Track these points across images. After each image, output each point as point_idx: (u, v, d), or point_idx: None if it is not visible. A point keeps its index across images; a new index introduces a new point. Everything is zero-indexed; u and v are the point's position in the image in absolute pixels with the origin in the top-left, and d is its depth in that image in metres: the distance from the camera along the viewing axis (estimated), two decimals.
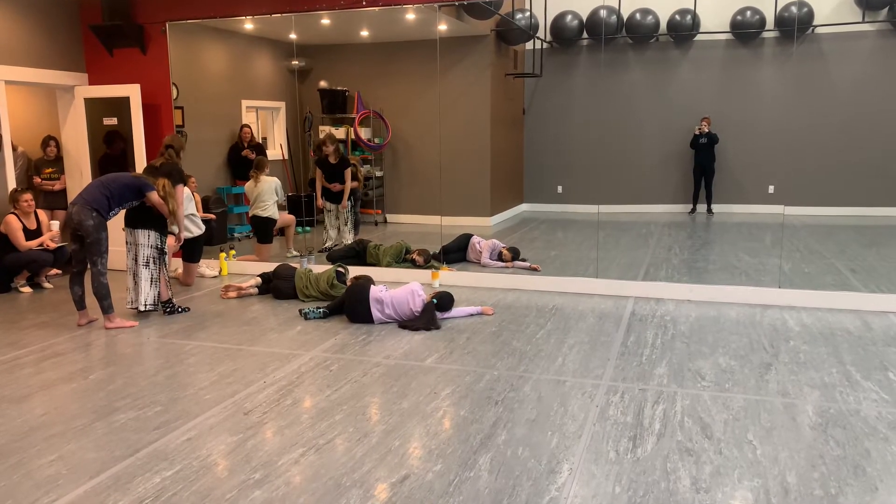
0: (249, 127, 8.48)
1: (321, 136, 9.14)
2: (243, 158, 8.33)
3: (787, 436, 3.39)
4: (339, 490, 2.93)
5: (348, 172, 8.04)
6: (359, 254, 7.30)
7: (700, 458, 3.16)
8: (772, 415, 3.63)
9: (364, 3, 6.89)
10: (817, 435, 3.40)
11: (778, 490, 2.89)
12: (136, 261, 5.64)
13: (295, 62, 8.59)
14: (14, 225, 6.61)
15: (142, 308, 5.65)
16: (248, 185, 7.62)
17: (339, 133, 9.21)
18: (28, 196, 6.75)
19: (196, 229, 6.72)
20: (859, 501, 2.80)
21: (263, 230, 7.64)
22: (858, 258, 7.29)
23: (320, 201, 8.14)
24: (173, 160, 5.93)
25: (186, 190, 6.62)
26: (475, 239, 7.48)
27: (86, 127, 7.65)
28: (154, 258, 5.67)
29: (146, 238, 5.62)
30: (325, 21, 7.50)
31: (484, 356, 4.62)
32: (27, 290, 6.74)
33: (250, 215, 7.65)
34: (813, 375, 4.19)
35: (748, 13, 9.11)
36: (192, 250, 6.81)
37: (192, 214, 6.71)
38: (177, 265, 7.08)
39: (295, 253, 7.93)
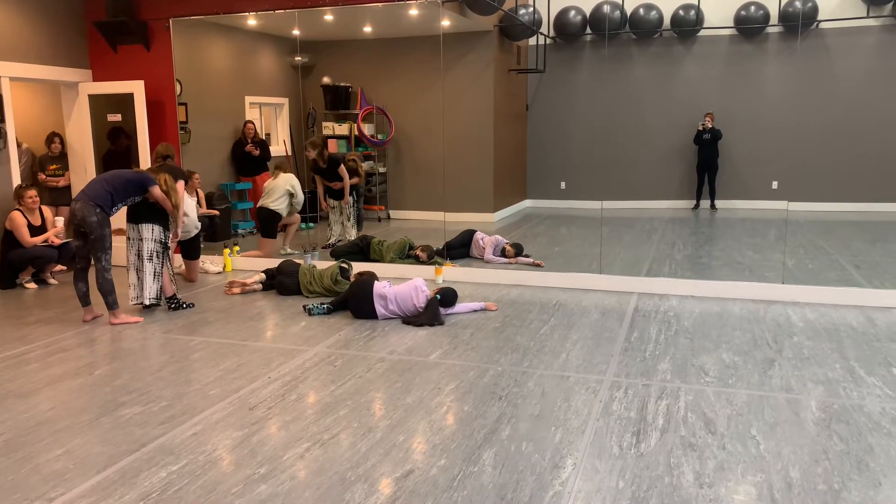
0: (253, 123, 8.49)
1: (323, 131, 9.17)
2: (247, 154, 8.34)
3: (790, 431, 3.39)
4: (344, 484, 2.95)
5: (342, 169, 8.04)
6: (362, 250, 7.31)
7: (703, 454, 3.17)
8: (775, 410, 3.64)
9: None
10: (821, 430, 3.40)
11: (781, 485, 2.90)
12: (139, 256, 5.67)
13: (298, 58, 8.59)
14: (19, 221, 6.63)
15: (147, 302, 5.67)
16: (268, 181, 7.68)
17: (343, 129, 9.22)
18: (33, 192, 6.77)
19: (192, 228, 6.73)
20: (863, 496, 2.81)
21: (268, 224, 7.64)
22: (862, 254, 7.28)
23: (324, 203, 8.16)
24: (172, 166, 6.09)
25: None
26: (478, 235, 7.49)
27: (90, 123, 7.68)
28: (158, 252, 5.69)
29: (150, 232, 5.65)
30: (328, 17, 7.51)
31: (487, 352, 4.63)
32: (32, 286, 6.77)
33: (258, 206, 7.65)
34: (816, 371, 4.20)
35: (752, 8, 9.09)
36: (190, 247, 6.83)
37: (185, 215, 6.72)
38: (180, 262, 7.10)
39: (289, 250, 7.91)
